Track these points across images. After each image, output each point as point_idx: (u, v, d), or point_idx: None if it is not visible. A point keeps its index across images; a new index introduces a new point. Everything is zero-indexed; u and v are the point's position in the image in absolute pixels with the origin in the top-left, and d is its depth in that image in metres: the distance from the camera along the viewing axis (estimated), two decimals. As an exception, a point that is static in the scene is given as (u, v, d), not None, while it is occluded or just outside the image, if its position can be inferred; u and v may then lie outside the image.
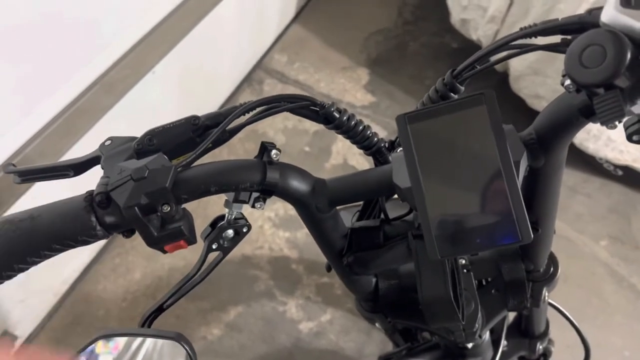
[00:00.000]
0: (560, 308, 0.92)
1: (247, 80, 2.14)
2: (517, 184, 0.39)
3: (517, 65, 1.89)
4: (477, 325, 0.59)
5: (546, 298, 0.68)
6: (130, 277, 1.58)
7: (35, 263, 0.42)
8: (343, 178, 0.48)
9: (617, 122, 0.40)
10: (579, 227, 1.89)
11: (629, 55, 0.35)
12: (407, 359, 0.73)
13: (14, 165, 0.48)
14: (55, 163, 0.47)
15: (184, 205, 0.44)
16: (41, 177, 0.47)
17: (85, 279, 1.55)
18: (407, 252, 0.50)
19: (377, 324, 0.71)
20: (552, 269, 0.67)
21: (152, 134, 0.45)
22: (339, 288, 1.62)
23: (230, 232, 0.49)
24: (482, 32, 1.96)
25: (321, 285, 1.63)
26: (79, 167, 0.47)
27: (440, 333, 0.64)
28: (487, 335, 0.70)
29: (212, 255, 0.52)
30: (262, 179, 0.44)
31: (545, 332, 0.89)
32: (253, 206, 0.48)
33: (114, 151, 0.45)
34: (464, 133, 0.41)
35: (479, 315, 0.59)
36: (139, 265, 1.61)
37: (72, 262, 1.48)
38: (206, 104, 1.87)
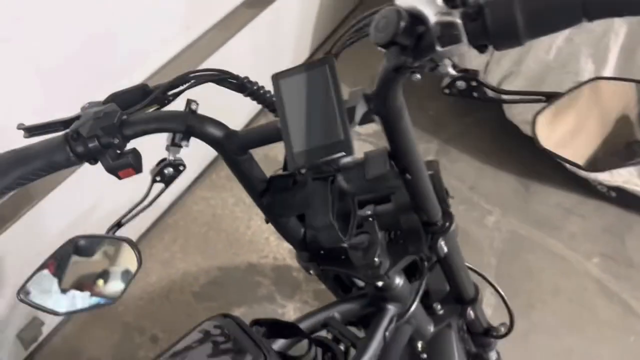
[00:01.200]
0: (482, 273, 1.03)
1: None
2: (346, 120, 0.55)
3: (508, 94, 2.03)
4: (377, 261, 0.73)
5: (444, 249, 0.81)
6: (147, 280, 1.77)
7: (24, 184, 0.60)
8: (251, 129, 0.65)
9: (418, 76, 0.56)
10: (572, 245, 1.97)
11: (403, 23, 0.50)
12: (337, 306, 0.87)
13: (23, 124, 0.67)
14: (50, 121, 0.66)
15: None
16: (41, 132, 0.66)
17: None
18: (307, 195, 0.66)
19: (311, 272, 0.86)
20: (447, 224, 0.81)
21: (114, 96, 0.64)
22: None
23: (170, 169, 0.67)
24: (474, 63, 2.13)
25: (318, 291, 1.78)
26: (66, 123, 0.65)
27: (355, 274, 0.78)
28: (402, 282, 0.84)
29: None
30: (184, 124, 0.62)
31: (475, 298, 1.00)
32: (180, 145, 0.65)
33: (90, 109, 0.64)
34: (314, 84, 0.57)
35: (378, 251, 0.73)
36: (155, 270, 1.79)
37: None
38: (243, 109, 2.08)
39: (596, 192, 2.10)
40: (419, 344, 0.95)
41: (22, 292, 0.63)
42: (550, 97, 0.56)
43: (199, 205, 1.99)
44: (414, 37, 0.51)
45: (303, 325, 0.82)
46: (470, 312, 0.99)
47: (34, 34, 1.17)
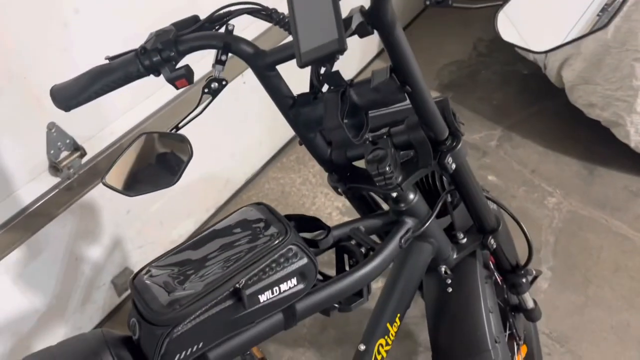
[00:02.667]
0: (499, 202, 1.11)
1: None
2: (342, 23, 0.69)
3: (569, 76, 2.06)
4: (388, 170, 0.86)
5: (452, 165, 0.91)
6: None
7: (106, 92, 0.79)
8: (276, 48, 0.81)
9: None
10: (637, 226, 1.95)
11: None
12: (362, 221, 0.99)
13: (108, 55, 0.86)
14: (126, 51, 0.84)
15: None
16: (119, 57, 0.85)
17: (188, 244, 1.97)
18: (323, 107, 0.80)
19: (339, 191, 1.00)
20: (454, 143, 0.91)
21: (172, 24, 0.82)
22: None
23: (215, 84, 0.84)
24: (535, 51, 2.18)
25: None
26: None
27: (374, 187, 0.91)
28: (416, 198, 0.95)
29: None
30: (223, 41, 0.79)
31: (496, 229, 1.08)
32: (223, 62, 0.81)
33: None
34: None
35: (389, 161, 0.85)
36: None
37: (179, 227, 1.91)
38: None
39: (666, 177, 2.06)
40: (443, 268, 1.06)
41: (105, 179, 0.82)
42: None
43: (270, 184, 2.19)
44: None
45: (333, 234, 0.96)
46: (492, 241, 1.08)
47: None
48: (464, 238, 1.08)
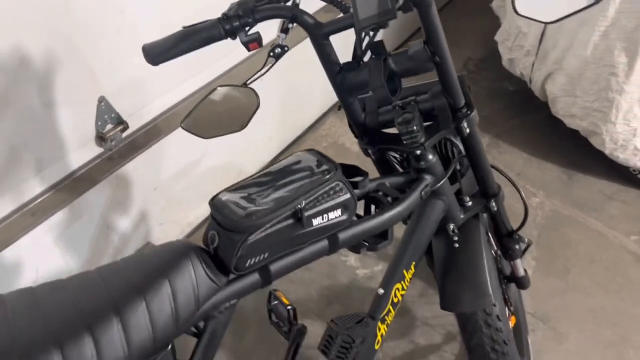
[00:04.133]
0: (501, 169, 1.29)
1: (333, 107, 2.73)
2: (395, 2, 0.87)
3: (552, 89, 2.29)
4: (415, 129, 1.03)
5: (466, 129, 1.09)
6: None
7: (191, 50, 0.95)
8: (332, 20, 0.99)
9: None
10: (611, 224, 2.16)
11: None
12: (387, 178, 1.16)
13: (184, 25, 1.03)
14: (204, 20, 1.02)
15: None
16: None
17: (204, 226, 2.11)
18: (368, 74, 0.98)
19: (369, 151, 1.17)
20: (469, 111, 1.10)
21: None
22: (391, 248, 2.04)
23: (279, 49, 1.01)
24: (522, 66, 2.42)
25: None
26: None
27: (400, 147, 1.08)
28: (435, 158, 1.12)
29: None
30: (291, 12, 0.96)
31: (497, 194, 1.27)
32: (287, 30, 0.99)
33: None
34: None
35: (416, 121, 1.03)
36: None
37: (196, 209, 2.06)
38: (301, 120, 2.47)
39: (637, 181, 2.28)
40: (451, 226, 1.23)
41: (184, 123, 0.98)
42: None
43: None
44: None
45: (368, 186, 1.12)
46: (493, 205, 1.26)
47: None
48: (469, 201, 1.26)
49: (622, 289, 1.93)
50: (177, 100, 1.70)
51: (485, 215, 1.31)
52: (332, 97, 1.21)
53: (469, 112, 1.09)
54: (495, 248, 1.40)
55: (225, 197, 0.92)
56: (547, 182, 2.34)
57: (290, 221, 0.91)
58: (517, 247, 1.39)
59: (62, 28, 1.31)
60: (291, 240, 0.92)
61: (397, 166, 1.23)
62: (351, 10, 0.91)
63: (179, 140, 1.75)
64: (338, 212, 0.96)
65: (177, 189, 1.90)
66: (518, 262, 1.43)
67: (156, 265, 0.83)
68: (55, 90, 1.35)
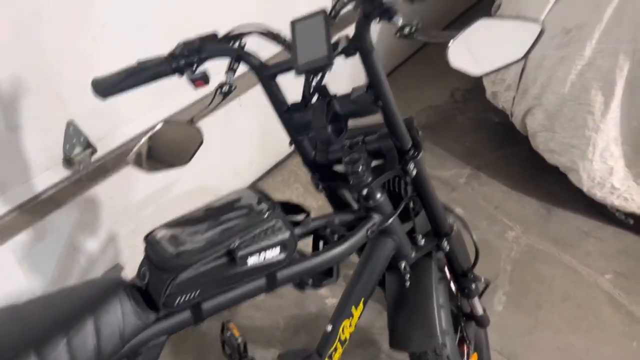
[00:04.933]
0: (451, 209, 1.30)
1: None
2: (331, 45, 0.88)
3: (531, 124, 2.30)
4: (361, 170, 1.05)
5: (413, 171, 1.10)
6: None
7: (137, 86, 0.97)
8: (277, 62, 1.01)
9: (378, 19, 0.89)
10: (586, 261, 2.15)
11: None
12: (336, 216, 1.17)
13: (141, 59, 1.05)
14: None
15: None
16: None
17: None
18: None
19: (319, 188, 1.19)
20: (416, 152, 1.11)
21: (197, 37, 1.01)
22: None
23: (227, 87, 1.03)
24: (503, 99, 2.43)
25: (348, 275, 2.06)
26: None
27: (348, 185, 1.09)
28: (383, 197, 1.13)
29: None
30: (236, 53, 0.98)
31: (449, 233, 1.27)
32: (234, 70, 1.01)
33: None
34: (313, 25, 0.92)
35: (362, 162, 1.04)
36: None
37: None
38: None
39: (614, 219, 2.28)
40: (403, 264, 1.23)
41: (129, 158, 1.00)
42: (456, 34, 0.86)
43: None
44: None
45: (313, 223, 1.13)
46: (445, 244, 1.26)
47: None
48: (422, 239, 1.26)
49: (594, 328, 1.92)
50: (150, 125, 1.72)
51: (439, 253, 1.31)
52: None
53: (416, 153, 1.10)
54: (453, 286, 1.40)
55: (160, 233, 0.93)
56: (525, 216, 2.34)
57: (223, 260, 0.91)
58: (472, 286, 1.38)
59: (29, 53, 1.34)
60: (224, 279, 0.93)
61: (352, 202, 1.25)
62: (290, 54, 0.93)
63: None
64: (276, 251, 0.97)
65: (148, 212, 1.91)
66: (475, 300, 1.43)
67: (82, 300, 0.84)
68: (21, 114, 1.37)
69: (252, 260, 0.95)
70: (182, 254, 0.88)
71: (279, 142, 1.06)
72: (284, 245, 0.98)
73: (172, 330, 0.92)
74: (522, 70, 2.28)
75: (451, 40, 0.85)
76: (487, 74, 0.83)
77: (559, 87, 2.12)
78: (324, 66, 0.88)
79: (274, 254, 0.97)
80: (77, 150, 1.54)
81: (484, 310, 1.49)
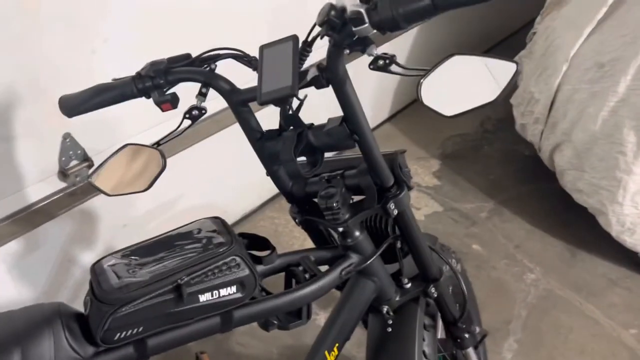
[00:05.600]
0: (440, 253, 1.20)
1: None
2: (297, 74, 0.82)
3: (559, 161, 2.17)
4: (335, 206, 0.97)
5: (394, 211, 1.02)
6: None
7: (103, 106, 0.94)
8: (248, 88, 0.95)
9: (347, 51, 0.81)
10: (610, 313, 1.98)
11: (332, 12, 0.78)
12: (313, 252, 1.10)
13: (115, 78, 1.02)
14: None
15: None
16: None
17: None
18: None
19: (297, 221, 1.11)
20: (398, 191, 1.02)
21: (167, 58, 0.97)
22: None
23: (196, 111, 0.98)
24: (531, 133, 2.31)
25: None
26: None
27: (324, 221, 1.02)
28: (362, 236, 1.05)
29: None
30: (204, 77, 0.93)
31: (437, 279, 1.17)
32: (204, 95, 0.96)
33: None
34: (282, 52, 0.86)
35: (337, 197, 0.97)
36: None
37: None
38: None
39: (646, 269, 2.11)
40: (385, 308, 1.15)
41: (91, 178, 0.96)
42: (428, 70, 0.79)
43: (265, 222, 2.31)
44: (341, 21, 0.78)
45: (285, 259, 1.07)
46: (432, 290, 1.17)
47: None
48: (408, 283, 1.17)
49: (610, 389, 1.76)
50: (151, 142, 1.70)
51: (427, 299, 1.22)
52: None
53: (398, 192, 1.02)
54: (443, 335, 1.30)
55: (108, 262, 0.89)
56: (547, 258, 2.20)
57: (169, 296, 0.86)
58: (466, 335, 1.28)
59: (26, 63, 1.34)
60: (171, 315, 0.87)
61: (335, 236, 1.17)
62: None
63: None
64: (232, 289, 0.91)
65: (150, 227, 1.89)
66: (470, 351, 1.32)
67: (12, 329, 0.80)
68: (15, 124, 1.37)
69: (205, 297, 0.89)
70: (124, 287, 0.83)
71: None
72: (241, 284, 0.91)
73: None
74: (552, 103, 2.15)
75: (422, 78, 0.78)
76: (457, 117, 0.75)
77: (589, 123, 1.99)
78: (286, 97, 0.82)
79: (229, 291, 0.91)
80: (74, 162, 1.53)
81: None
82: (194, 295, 0.87)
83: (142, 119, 1.64)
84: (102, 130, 1.57)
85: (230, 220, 2.25)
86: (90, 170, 1.54)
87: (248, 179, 2.21)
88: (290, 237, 2.24)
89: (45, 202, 1.50)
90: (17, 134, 1.38)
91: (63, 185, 1.54)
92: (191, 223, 0.99)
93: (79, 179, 1.55)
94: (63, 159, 1.50)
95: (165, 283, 0.85)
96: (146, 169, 0.96)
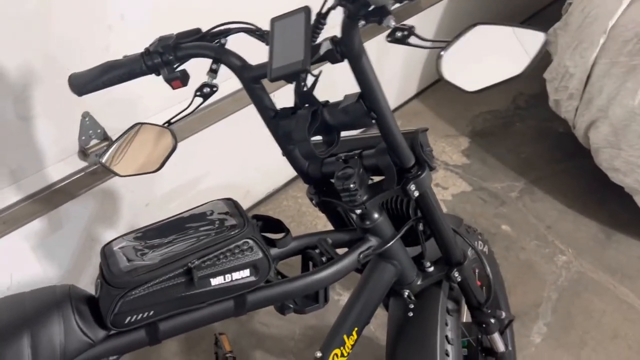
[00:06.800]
0: (464, 235, 1.15)
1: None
2: (309, 48, 0.77)
3: (595, 138, 2.07)
4: (353, 187, 0.93)
5: (414, 193, 0.97)
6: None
7: (112, 84, 0.91)
8: (261, 63, 0.91)
9: (363, 22, 0.76)
10: (646, 297, 1.91)
11: None
12: (331, 234, 1.06)
13: (126, 54, 0.99)
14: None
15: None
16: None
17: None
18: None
19: (314, 202, 1.08)
20: (419, 172, 0.97)
21: (177, 34, 0.93)
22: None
23: (207, 89, 0.94)
24: (564, 109, 2.20)
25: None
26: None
27: (341, 202, 0.98)
28: (381, 218, 1.01)
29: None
30: (215, 52, 0.89)
31: (461, 262, 1.12)
32: (215, 72, 0.92)
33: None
34: (294, 24, 0.81)
35: (354, 178, 0.93)
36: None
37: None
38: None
39: (686, 252, 2.01)
40: (406, 292, 1.11)
41: (101, 158, 0.94)
42: (448, 42, 0.73)
43: (288, 202, 2.29)
44: None
45: (301, 241, 1.04)
46: (456, 274, 1.12)
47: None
48: (430, 267, 1.13)
49: (644, 375, 1.70)
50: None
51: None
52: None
53: (418, 173, 0.97)
54: (467, 320, 1.26)
55: (118, 245, 0.87)
56: (579, 240, 2.12)
57: (180, 280, 0.83)
58: (491, 320, 1.23)
59: (42, 41, 1.32)
60: (182, 299, 0.85)
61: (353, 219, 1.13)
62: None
63: (176, 157, 1.72)
64: (245, 272, 0.88)
65: (172, 206, 1.88)
66: (495, 336, 1.27)
67: (22, 312, 0.79)
68: (34, 104, 1.36)
69: (216, 281, 0.86)
70: (134, 270, 0.81)
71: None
72: (255, 267, 0.88)
73: (123, 350, 0.85)
74: (588, 78, 2.05)
75: (442, 50, 0.72)
76: (480, 92, 0.69)
77: (627, 99, 1.89)
78: (297, 72, 0.77)
79: (243, 275, 0.88)
80: (94, 142, 1.52)
81: (507, 346, 1.33)
82: (205, 278, 0.85)
83: (161, 96, 1.62)
84: (121, 109, 1.55)
85: (253, 200, 2.23)
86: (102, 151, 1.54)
87: (271, 158, 2.16)
88: (314, 217, 2.21)
89: (66, 181, 1.50)
90: (35, 114, 1.38)
91: (83, 164, 1.53)
92: (203, 205, 0.97)
93: (99, 158, 1.54)
94: (83, 138, 1.49)
95: (176, 266, 0.83)
96: (157, 148, 0.93)
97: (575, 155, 2.42)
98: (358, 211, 0.99)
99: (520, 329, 1.79)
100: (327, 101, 0.92)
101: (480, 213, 2.20)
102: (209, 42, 0.92)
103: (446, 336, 1.13)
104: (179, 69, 0.91)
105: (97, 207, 1.65)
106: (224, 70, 0.93)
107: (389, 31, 0.77)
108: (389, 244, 1.02)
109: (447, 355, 1.10)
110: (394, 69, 2.59)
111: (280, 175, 2.31)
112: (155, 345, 0.88)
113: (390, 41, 0.78)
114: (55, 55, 1.35)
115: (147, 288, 0.81)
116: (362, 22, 0.76)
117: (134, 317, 0.82)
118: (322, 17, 0.84)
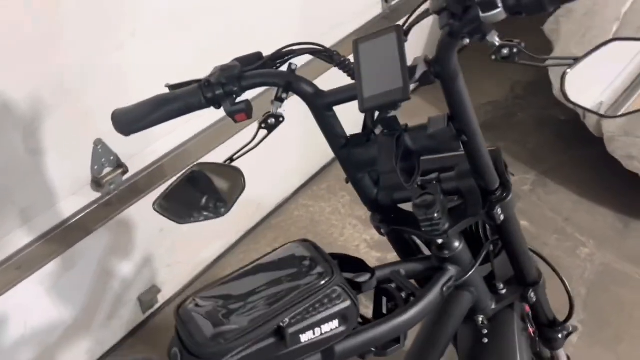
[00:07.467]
0: (542, 255, 1.09)
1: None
2: (407, 73, 0.69)
3: (609, 127, 2.04)
4: (436, 216, 0.85)
5: (500, 216, 0.90)
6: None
7: (168, 119, 0.80)
8: (336, 89, 0.82)
9: (467, 40, 0.68)
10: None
11: None
12: (403, 265, 0.98)
13: (168, 83, 0.88)
14: (189, 80, 0.86)
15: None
16: (180, 87, 0.86)
17: (216, 265, 1.97)
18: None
19: (382, 231, 0.99)
20: (504, 194, 0.90)
21: (236, 59, 0.83)
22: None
23: (272, 119, 0.84)
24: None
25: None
26: (199, 81, 0.85)
27: (419, 232, 0.90)
28: (461, 246, 0.93)
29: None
30: (285, 80, 0.80)
31: (537, 282, 1.06)
32: (282, 100, 0.82)
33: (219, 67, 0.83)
34: (384, 47, 0.73)
35: (438, 207, 0.85)
36: (256, 262, 2.00)
37: (207, 248, 1.92)
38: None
39: None
40: (480, 318, 1.04)
41: (157, 205, 0.83)
42: (577, 59, 0.66)
43: (299, 211, 2.19)
44: (462, 6, 0.65)
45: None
46: (532, 295, 1.06)
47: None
48: (503, 289, 1.06)
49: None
50: (185, 139, 1.56)
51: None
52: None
53: (504, 195, 0.89)
54: (531, 332, 1.19)
55: (193, 305, 0.76)
56: (599, 230, 2.09)
57: (270, 341, 0.74)
58: (559, 336, 1.18)
59: (50, 68, 1.19)
60: None
61: (422, 245, 1.05)
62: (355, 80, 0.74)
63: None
64: (335, 323, 0.79)
65: (185, 228, 1.75)
66: (561, 352, 1.22)
67: None
68: (42, 135, 1.23)
69: (306, 337, 0.77)
70: (220, 337, 0.71)
71: (324, 145, 0.87)
72: (344, 317, 0.80)
73: None
74: (600, 66, 2.01)
75: (568, 68, 0.65)
76: (620, 117, 0.62)
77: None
78: (398, 102, 0.69)
79: (332, 327, 0.79)
80: (107, 170, 1.39)
81: (568, 358, 1.28)
82: (295, 335, 0.76)
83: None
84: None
85: (265, 212, 2.12)
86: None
87: (279, 168, 2.08)
88: (329, 226, 2.12)
89: (80, 215, 1.38)
90: (44, 146, 1.25)
91: (97, 195, 1.41)
92: (279, 249, 0.87)
93: (113, 187, 1.41)
94: (95, 167, 1.36)
95: (266, 328, 0.73)
96: (223, 190, 0.83)
97: (580, 144, 2.39)
98: (440, 241, 0.91)
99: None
100: (407, 125, 0.83)
101: (495, 209, 2.15)
102: (274, 69, 0.83)
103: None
104: (240, 99, 0.81)
105: (111, 239, 1.53)
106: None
107: (493, 49, 0.69)
108: (470, 273, 0.95)
109: None
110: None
111: (287, 184, 2.22)
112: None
113: (495, 59, 0.70)
114: (62, 80, 1.22)
115: (236, 354, 0.72)
116: (466, 41, 0.68)
117: None
118: (404, 34, 0.75)
